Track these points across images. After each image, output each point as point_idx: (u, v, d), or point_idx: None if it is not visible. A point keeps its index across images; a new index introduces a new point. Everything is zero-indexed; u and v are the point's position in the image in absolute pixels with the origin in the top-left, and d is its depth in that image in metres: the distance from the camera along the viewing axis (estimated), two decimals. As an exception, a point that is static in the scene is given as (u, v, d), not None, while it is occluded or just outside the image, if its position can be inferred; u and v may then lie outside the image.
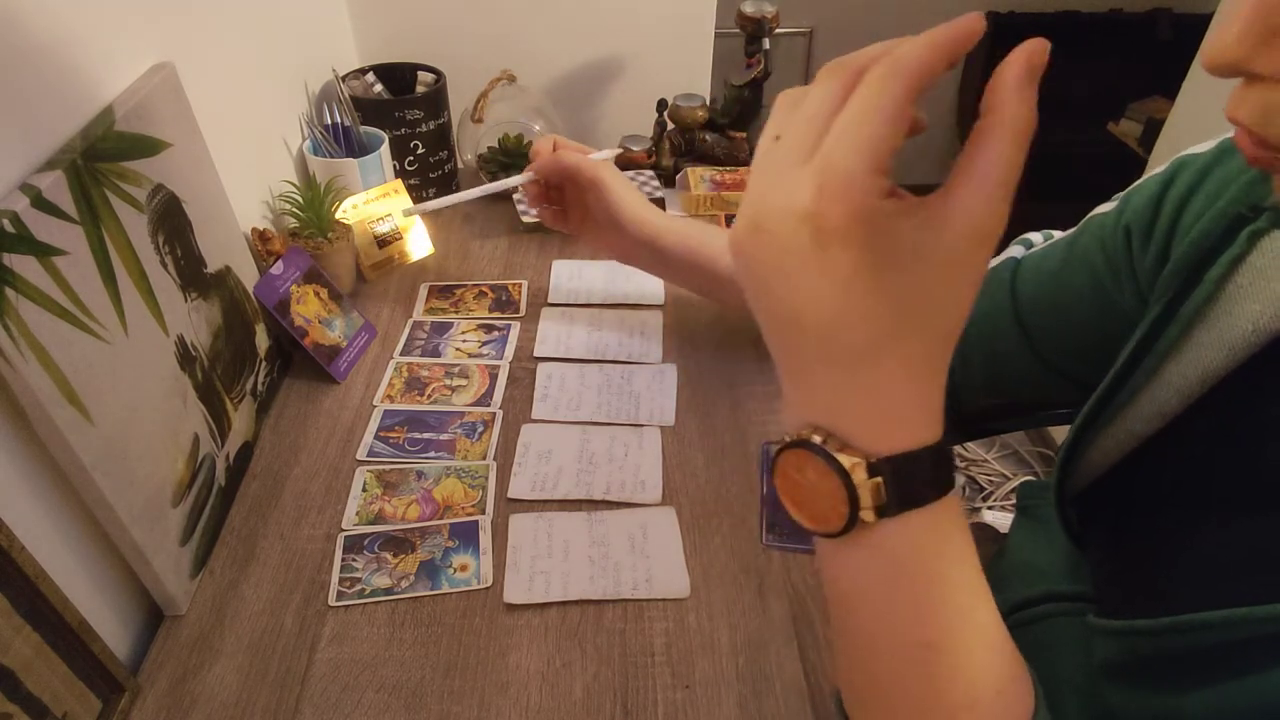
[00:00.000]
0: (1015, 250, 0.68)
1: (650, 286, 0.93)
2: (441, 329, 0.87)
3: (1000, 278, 0.67)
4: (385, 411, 0.77)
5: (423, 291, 0.92)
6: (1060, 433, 0.61)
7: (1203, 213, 0.49)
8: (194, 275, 0.65)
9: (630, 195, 0.78)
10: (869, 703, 0.38)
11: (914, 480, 0.31)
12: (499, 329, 0.87)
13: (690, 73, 1.19)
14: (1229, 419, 0.46)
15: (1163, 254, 0.52)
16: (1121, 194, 0.60)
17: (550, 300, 0.91)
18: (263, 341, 0.77)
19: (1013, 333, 0.65)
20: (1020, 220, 0.70)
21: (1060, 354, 0.63)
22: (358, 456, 0.73)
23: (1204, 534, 0.45)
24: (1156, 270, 0.52)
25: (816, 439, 0.31)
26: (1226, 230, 0.46)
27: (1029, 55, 0.30)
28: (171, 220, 0.62)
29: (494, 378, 0.81)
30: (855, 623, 0.36)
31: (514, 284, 0.94)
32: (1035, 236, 0.68)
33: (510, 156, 1.07)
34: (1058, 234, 0.68)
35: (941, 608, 0.34)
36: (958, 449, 1.90)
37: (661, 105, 1.11)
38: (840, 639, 0.38)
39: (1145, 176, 0.57)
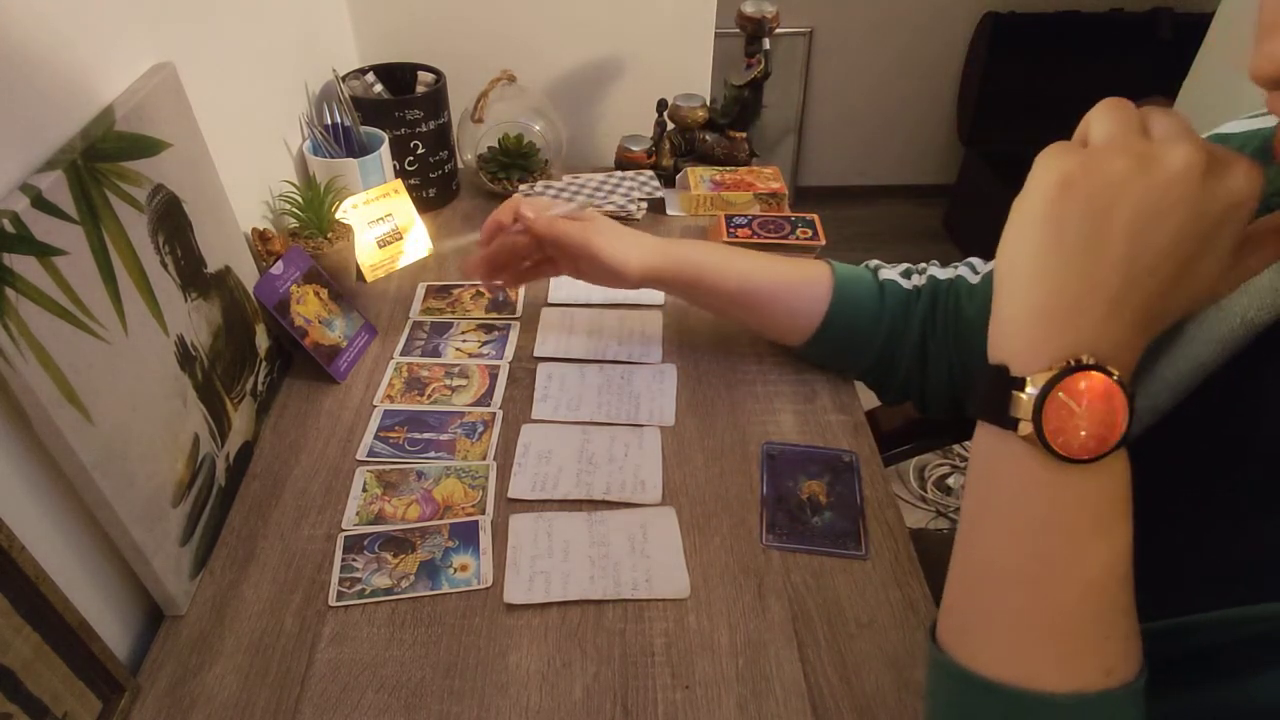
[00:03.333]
0: None
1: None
2: (442, 329, 0.87)
3: None
4: (385, 411, 0.77)
5: (420, 291, 0.92)
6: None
7: None
8: (194, 275, 0.65)
9: (626, 254, 0.74)
10: (1021, 631, 0.36)
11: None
12: (499, 329, 0.87)
13: (690, 73, 1.19)
14: (1221, 414, 0.46)
15: None
16: None
17: (550, 300, 0.91)
18: (263, 341, 0.77)
19: None
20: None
21: None
22: (358, 456, 0.73)
23: (1196, 534, 0.45)
24: None
25: (1106, 365, 0.34)
26: None
27: None
28: (171, 220, 0.62)
29: (494, 378, 0.81)
30: (1052, 549, 0.36)
31: (514, 284, 0.94)
32: None
33: (510, 156, 1.07)
34: None
35: (1128, 542, 0.35)
36: (957, 449, 1.89)
37: (661, 105, 1.11)
38: (978, 552, 0.38)
39: None
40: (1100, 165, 0.34)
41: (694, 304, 0.83)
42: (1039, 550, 0.36)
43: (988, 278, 0.69)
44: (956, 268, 0.73)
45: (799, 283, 0.75)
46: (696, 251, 0.77)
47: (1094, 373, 0.33)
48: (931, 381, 0.72)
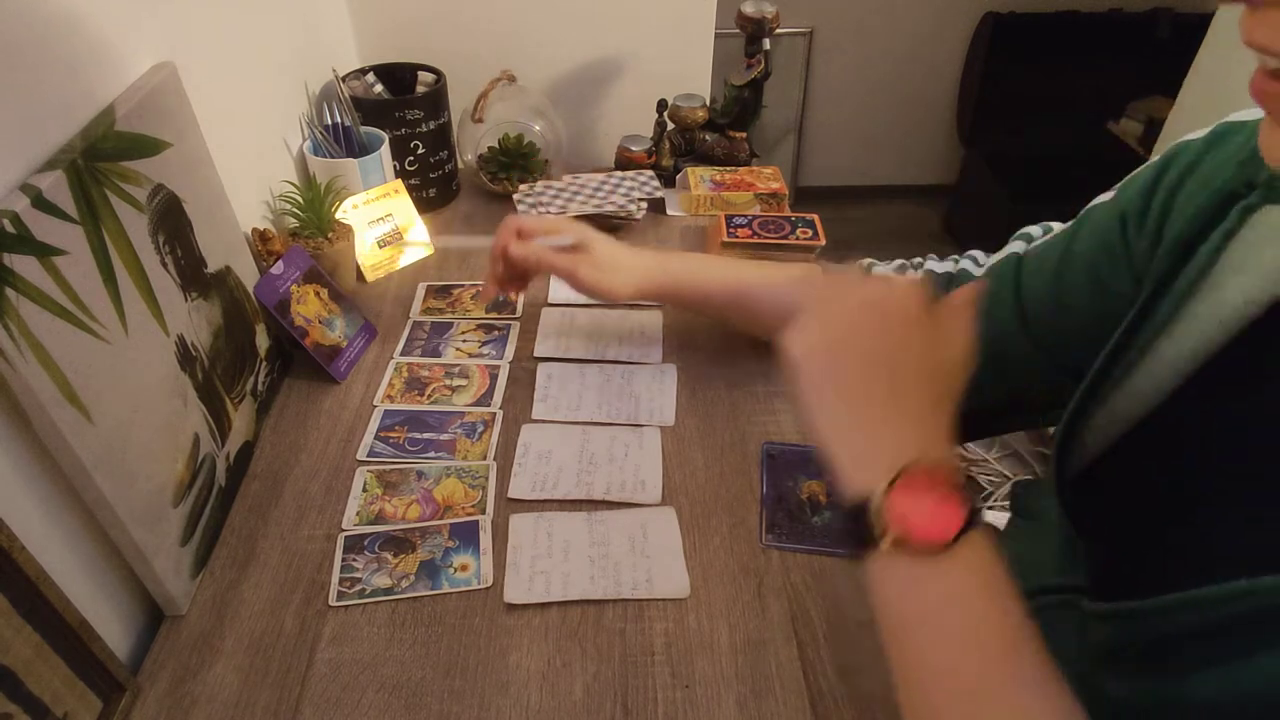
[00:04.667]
0: (1016, 246, 0.67)
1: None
2: (442, 329, 0.87)
3: (1004, 275, 0.66)
4: (385, 411, 0.77)
5: (420, 291, 0.92)
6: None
7: (1196, 194, 0.49)
8: (194, 275, 0.65)
9: (612, 283, 0.75)
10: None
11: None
12: (499, 329, 0.87)
13: (690, 73, 1.19)
14: (1223, 394, 0.46)
15: (1156, 237, 0.52)
16: (1119, 184, 0.60)
17: (550, 300, 0.91)
18: (263, 341, 0.77)
19: (1020, 335, 0.64)
20: (1020, 221, 0.70)
21: (1067, 353, 0.63)
22: (358, 456, 0.73)
23: (1200, 514, 0.45)
24: (1150, 254, 0.52)
25: (921, 462, 0.39)
26: (1219, 207, 0.47)
27: None
28: (172, 220, 0.62)
29: (494, 378, 0.81)
30: (944, 641, 0.39)
31: (514, 284, 0.93)
32: (1035, 230, 0.68)
33: (510, 156, 1.07)
34: (1056, 225, 0.67)
35: (1017, 613, 0.38)
36: (958, 449, 1.90)
37: (661, 105, 1.11)
38: (915, 671, 0.40)
39: (1141, 166, 0.57)
40: (819, 335, 0.43)
41: (692, 312, 0.84)
42: (930, 646, 0.39)
43: (992, 270, 0.68)
44: (958, 261, 0.72)
45: (792, 293, 0.75)
46: (687, 267, 0.78)
47: (913, 473, 0.38)
48: None
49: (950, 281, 0.71)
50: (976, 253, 0.73)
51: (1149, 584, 0.45)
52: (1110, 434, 0.52)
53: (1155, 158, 0.56)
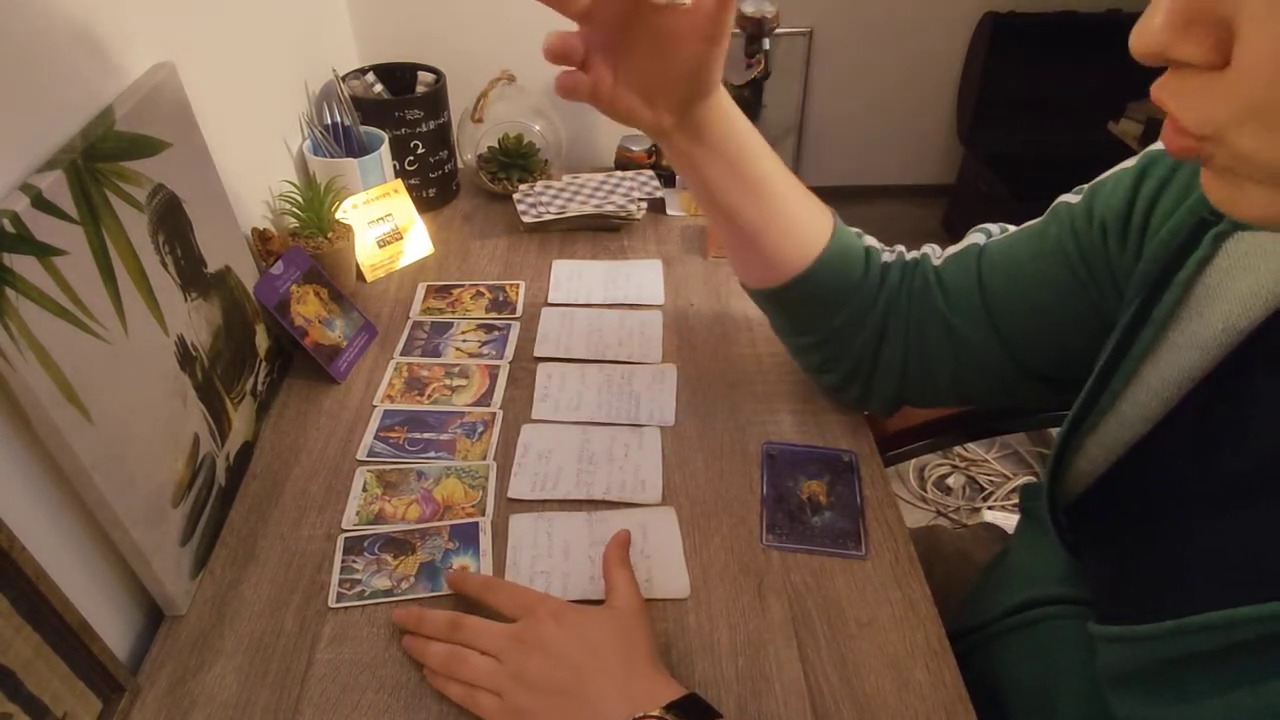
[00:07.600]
0: (977, 237, 0.65)
1: (650, 287, 0.93)
2: (441, 329, 0.87)
3: (965, 266, 0.64)
4: (385, 411, 0.77)
5: (420, 291, 0.92)
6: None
7: (1172, 210, 0.49)
8: (194, 275, 0.65)
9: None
10: None
11: None
12: (499, 329, 0.87)
13: (690, 73, 1.19)
14: (1210, 418, 0.46)
15: (1138, 252, 0.52)
16: (1086, 186, 0.59)
17: (550, 300, 0.91)
18: (263, 341, 0.77)
19: (981, 327, 0.63)
20: (1019, 218, 0.70)
21: (1033, 350, 0.62)
22: (358, 456, 0.73)
23: (1201, 536, 0.45)
24: (1133, 268, 0.52)
25: (668, 715, 0.49)
26: (1191, 233, 0.47)
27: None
28: (171, 220, 0.62)
29: (494, 378, 0.81)
30: None
31: (511, 285, 0.94)
32: (993, 228, 0.67)
33: (510, 156, 1.07)
34: (1011, 228, 0.66)
35: None
36: (958, 449, 1.90)
37: (661, 105, 1.11)
38: None
39: (1113, 170, 0.57)
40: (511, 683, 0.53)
41: (704, 187, 0.70)
42: None
43: (952, 259, 0.66)
44: (921, 249, 0.69)
45: (805, 207, 0.67)
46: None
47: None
48: (882, 366, 0.68)
49: (915, 268, 0.68)
50: (934, 246, 0.70)
51: (1151, 605, 0.45)
52: (1101, 462, 0.52)
53: (1128, 161, 0.55)
